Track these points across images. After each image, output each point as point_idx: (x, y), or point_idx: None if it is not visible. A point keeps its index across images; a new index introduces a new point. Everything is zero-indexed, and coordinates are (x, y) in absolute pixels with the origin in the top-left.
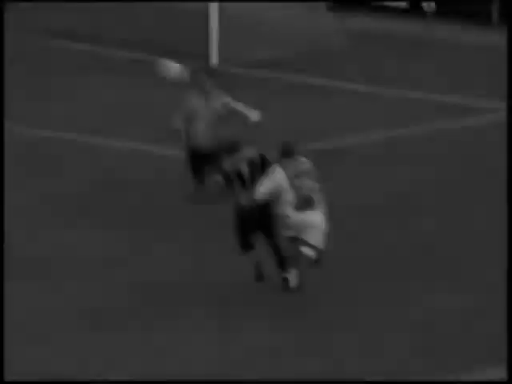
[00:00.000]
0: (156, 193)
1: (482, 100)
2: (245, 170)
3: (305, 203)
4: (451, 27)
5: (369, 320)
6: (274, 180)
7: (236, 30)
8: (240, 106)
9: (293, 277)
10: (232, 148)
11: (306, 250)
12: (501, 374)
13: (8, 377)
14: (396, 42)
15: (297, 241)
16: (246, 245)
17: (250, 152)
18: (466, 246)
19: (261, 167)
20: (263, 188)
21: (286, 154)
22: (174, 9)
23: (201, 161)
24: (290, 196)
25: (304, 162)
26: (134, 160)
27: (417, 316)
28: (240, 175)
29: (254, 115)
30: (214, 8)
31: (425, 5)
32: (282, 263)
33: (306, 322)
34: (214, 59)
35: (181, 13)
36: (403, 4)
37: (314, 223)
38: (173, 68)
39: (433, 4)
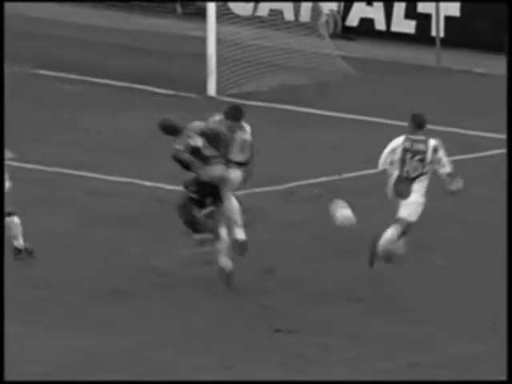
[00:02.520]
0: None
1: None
2: (199, 142)
3: None
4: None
5: None
6: None
7: (234, 60)
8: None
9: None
10: (173, 130)
11: None
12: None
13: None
14: (404, 69)
15: None
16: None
17: (197, 125)
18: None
19: (216, 136)
20: None
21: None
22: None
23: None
24: None
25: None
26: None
27: None
28: (195, 150)
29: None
30: (211, 37)
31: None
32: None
33: None
34: (212, 90)
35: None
36: (411, 30)
37: None
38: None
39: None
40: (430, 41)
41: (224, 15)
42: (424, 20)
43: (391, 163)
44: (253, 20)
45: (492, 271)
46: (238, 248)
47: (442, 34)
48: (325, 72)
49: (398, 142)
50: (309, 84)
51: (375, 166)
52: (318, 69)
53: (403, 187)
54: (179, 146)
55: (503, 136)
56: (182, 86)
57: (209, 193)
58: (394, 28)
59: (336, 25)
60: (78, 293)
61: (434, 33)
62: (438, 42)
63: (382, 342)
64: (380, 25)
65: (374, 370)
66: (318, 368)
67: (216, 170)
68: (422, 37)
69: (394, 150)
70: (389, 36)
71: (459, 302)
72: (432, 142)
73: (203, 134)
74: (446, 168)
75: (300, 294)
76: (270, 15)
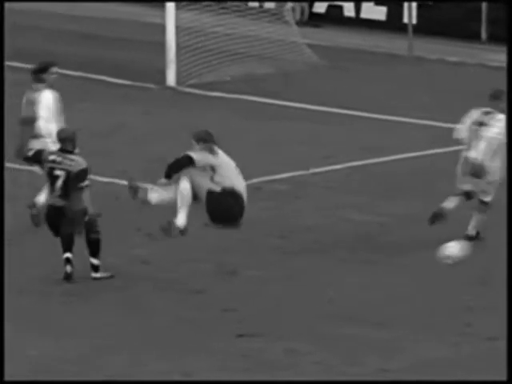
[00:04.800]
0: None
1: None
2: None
3: None
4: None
5: None
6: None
7: (195, 48)
8: None
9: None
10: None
11: None
12: None
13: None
14: (373, 58)
15: None
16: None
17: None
18: None
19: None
20: None
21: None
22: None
23: None
24: None
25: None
26: None
27: None
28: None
29: None
30: (170, 24)
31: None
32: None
33: None
34: (171, 80)
35: (136, 30)
36: (381, 16)
37: None
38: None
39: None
40: (401, 28)
41: (184, 1)
42: (395, 6)
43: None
44: (214, 6)
45: (464, 270)
46: (165, 227)
47: (414, 21)
48: (290, 61)
49: (474, 115)
50: (273, 73)
51: (341, 160)
52: (283, 58)
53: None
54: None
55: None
56: (139, 76)
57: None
58: (364, 15)
59: (302, 11)
60: (26, 295)
61: (406, 20)
62: (410, 30)
63: (351, 346)
64: (349, 11)
65: (343, 376)
66: (283, 373)
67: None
68: (393, 24)
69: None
70: (358, 23)
71: (429, 304)
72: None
73: None
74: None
75: (265, 297)
76: (232, 1)
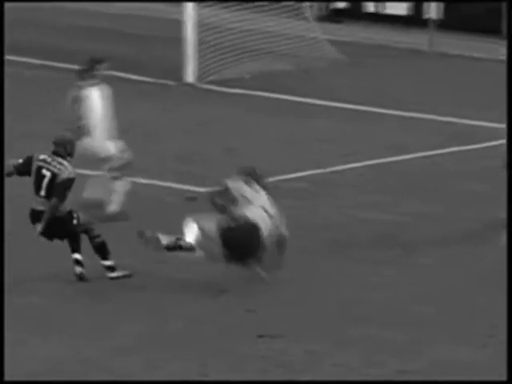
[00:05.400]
0: None
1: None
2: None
3: None
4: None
5: None
6: None
7: (214, 44)
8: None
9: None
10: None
11: None
12: None
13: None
14: (394, 53)
15: None
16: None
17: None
18: None
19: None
20: None
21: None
22: (147, 21)
23: None
24: None
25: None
26: None
27: None
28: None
29: None
30: (189, 20)
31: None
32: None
33: None
34: (190, 76)
35: (154, 26)
36: (403, 11)
37: None
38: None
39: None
40: (423, 23)
41: (202, 1)
42: (417, 1)
43: None
44: (233, 2)
45: (487, 271)
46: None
47: (436, 17)
48: (310, 57)
49: None
50: (293, 70)
51: (360, 158)
52: (303, 54)
53: None
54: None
55: (502, 125)
56: (158, 73)
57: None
58: (386, 9)
59: (323, 7)
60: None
61: (427, 15)
62: (431, 25)
63: (370, 347)
64: (370, 6)
65: (363, 377)
66: (303, 375)
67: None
68: (414, 19)
69: None
70: (380, 18)
71: (449, 305)
72: None
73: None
74: None
75: (284, 297)
76: (251, 1)
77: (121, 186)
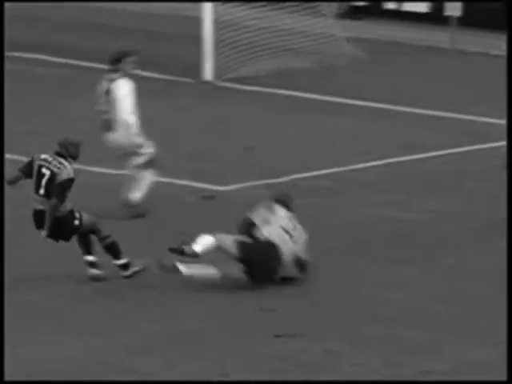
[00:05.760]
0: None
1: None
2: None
3: None
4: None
5: None
6: None
7: (232, 42)
8: None
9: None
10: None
11: None
12: None
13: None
14: (414, 51)
15: None
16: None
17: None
18: None
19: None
20: None
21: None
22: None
23: None
24: None
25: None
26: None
27: None
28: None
29: None
30: (207, 17)
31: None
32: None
33: None
34: (208, 74)
35: (172, 24)
36: (424, 9)
37: None
38: None
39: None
40: (443, 21)
41: (221, 1)
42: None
43: None
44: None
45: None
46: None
47: (457, 13)
48: (329, 55)
49: None
50: (311, 67)
51: (379, 156)
52: (322, 51)
53: None
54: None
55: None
56: (175, 70)
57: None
58: (406, 7)
59: (342, 4)
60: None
61: (448, 12)
62: (452, 22)
63: (391, 347)
64: (390, 3)
65: (384, 377)
66: (322, 374)
67: None
68: (435, 16)
69: None
70: (400, 15)
71: (469, 305)
72: None
73: None
74: None
75: (303, 296)
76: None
77: (146, 179)
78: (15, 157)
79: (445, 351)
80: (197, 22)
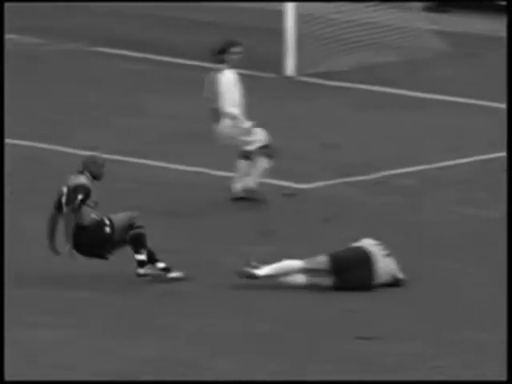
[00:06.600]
0: None
1: None
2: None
3: None
4: None
5: None
6: None
7: (314, 36)
8: None
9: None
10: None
11: None
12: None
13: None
14: (503, 44)
15: None
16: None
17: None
18: None
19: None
20: None
21: None
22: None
23: None
24: None
25: None
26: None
27: None
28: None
29: None
30: (290, 11)
31: None
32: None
33: None
34: (290, 69)
35: (254, 17)
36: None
37: None
38: None
39: None
40: None
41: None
42: None
43: None
44: None
45: None
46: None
47: None
48: (414, 48)
49: None
50: (396, 62)
51: (468, 153)
52: (407, 45)
53: None
54: None
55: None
56: (256, 65)
57: None
58: None
59: None
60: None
61: None
62: None
63: (474, 350)
64: None
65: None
66: (402, 378)
67: None
68: None
69: None
70: (488, 7)
71: None
72: None
73: None
74: None
75: (385, 297)
76: None
77: (258, 166)
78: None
79: None
80: (279, 15)
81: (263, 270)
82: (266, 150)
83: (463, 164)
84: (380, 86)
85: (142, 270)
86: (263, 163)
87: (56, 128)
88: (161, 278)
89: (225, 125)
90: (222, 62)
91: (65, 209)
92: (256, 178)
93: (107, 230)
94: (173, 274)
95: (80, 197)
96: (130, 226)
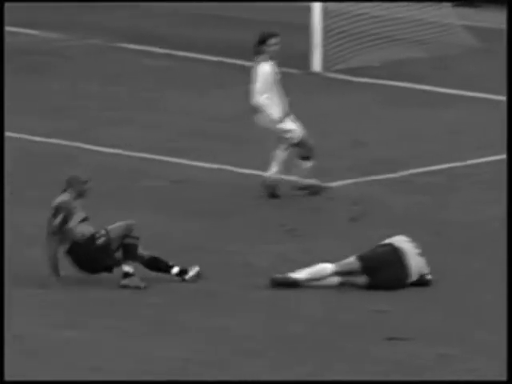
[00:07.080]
0: None
1: None
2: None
3: None
4: None
5: None
6: None
7: (341, 31)
8: None
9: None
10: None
11: None
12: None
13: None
14: None
15: None
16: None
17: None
18: None
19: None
20: None
21: None
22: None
23: None
24: None
25: None
26: None
27: None
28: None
29: None
30: (317, 6)
31: None
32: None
33: None
34: (317, 65)
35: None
36: None
37: None
38: None
39: None
40: None
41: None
42: None
43: None
44: None
45: None
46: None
47: None
48: (444, 44)
49: None
50: (425, 58)
51: (496, 151)
52: (437, 41)
53: None
54: None
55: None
56: (282, 61)
57: None
58: None
59: None
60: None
61: None
62: None
63: (502, 354)
64: None
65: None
66: (433, 379)
67: None
68: None
69: None
70: None
71: None
72: None
73: None
74: None
75: (416, 297)
76: None
77: (279, 155)
78: (118, 151)
79: None
80: (306, 10)
81: (297, 274)
82: (302, 151)
83: (492, 162)
84: (408, 83)
85: (123, 281)
86: (282, 155)
87: (80, 125)
88: (140, 289)
89: (260, 117)
90: (260, 53)
91: (46, 233)
92: (300, 174)
93: (100, 241)
94: (191, 273)
95: (58, 219)
96: (127, 236)
